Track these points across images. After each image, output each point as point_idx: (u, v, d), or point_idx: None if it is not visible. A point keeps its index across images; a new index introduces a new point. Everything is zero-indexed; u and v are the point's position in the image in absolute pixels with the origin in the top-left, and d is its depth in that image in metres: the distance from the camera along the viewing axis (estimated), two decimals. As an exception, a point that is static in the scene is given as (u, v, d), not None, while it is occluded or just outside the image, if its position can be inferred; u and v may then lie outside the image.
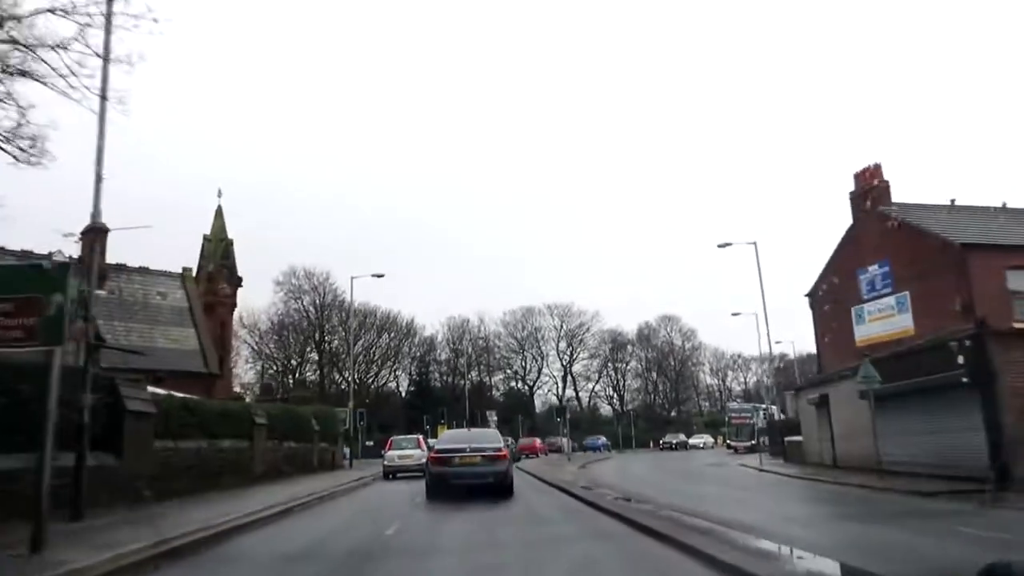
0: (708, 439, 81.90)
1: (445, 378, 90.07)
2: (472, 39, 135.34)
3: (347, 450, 50.09)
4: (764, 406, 68.93)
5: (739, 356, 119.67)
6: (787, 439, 34.33)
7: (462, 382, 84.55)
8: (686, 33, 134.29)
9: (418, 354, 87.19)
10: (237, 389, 58.08)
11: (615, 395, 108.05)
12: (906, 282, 26.85)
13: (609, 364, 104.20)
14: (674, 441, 76.46)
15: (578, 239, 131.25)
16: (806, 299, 32.07)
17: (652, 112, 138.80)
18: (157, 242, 64.33)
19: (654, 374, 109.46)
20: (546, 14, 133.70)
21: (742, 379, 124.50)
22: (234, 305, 46.26)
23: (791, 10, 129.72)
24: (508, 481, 18.26)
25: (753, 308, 65.48)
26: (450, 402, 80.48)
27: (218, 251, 46.05)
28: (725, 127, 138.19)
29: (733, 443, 61.95)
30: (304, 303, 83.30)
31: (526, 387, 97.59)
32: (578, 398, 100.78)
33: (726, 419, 70.47)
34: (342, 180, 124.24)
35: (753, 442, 56.03)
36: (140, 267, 32.00)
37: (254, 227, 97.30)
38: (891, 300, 27.54)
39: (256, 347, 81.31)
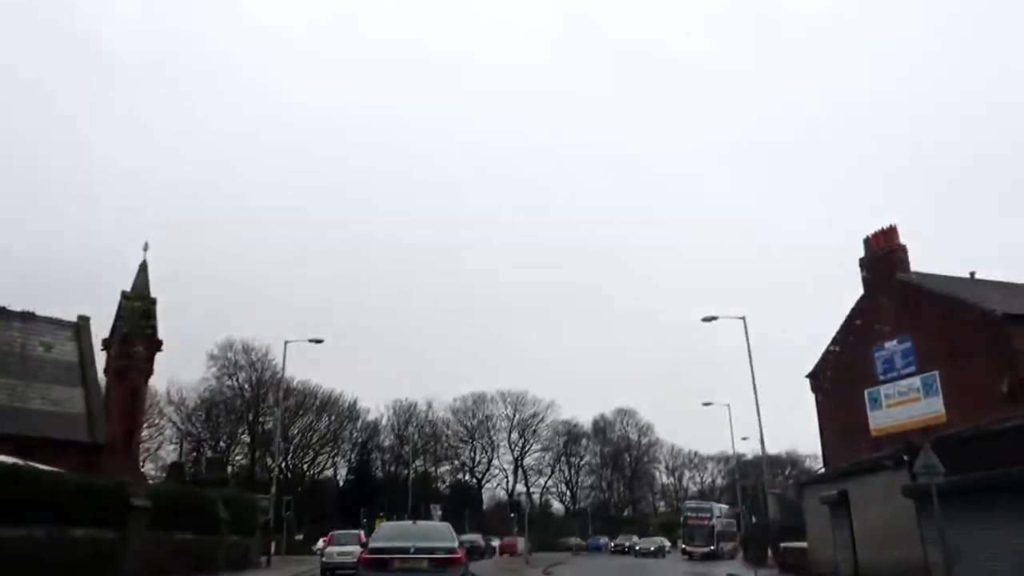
0: (662, 541, 73.51)
1: (388, 467, 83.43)
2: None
3: (273, 544, 44.18)
4: (722, 506, 63.44)
5: (695, 454, 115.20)
6: (783, 545, 29.53)
7: (406, 472, 78.04)
8: (670, 86, 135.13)
9: (360, 440, 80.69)
10: (151, 470, 51.35)
11: (567, 491, 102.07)
12: (934, 360, 23.02)
13: (563, 458, 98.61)
14: (626, 544, 69.63)
15: (535, 325, 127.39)
16: (807, 381, 28.01)
17: (618, 174, 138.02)
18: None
19: (609, 470, 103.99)
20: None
21: (698, 479, 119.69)
22: (150, 372, 40.26)
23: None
24: None
25: (723, 398, 59.75)
26: (392, 492, 74.01)
27: (137, 311, 40.61)
28: (701, 199, 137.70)
29: (689, 548, 53.24)
30: (239, 380, 76.87)
31: (474, 480, 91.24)
32: (529, 494, 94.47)
33: (681, 519, 59.16)
34: (287, 253, 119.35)
35: (711, 547, 50.81)
36: (23, 311, 26.63)
37: (187, 297, 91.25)
38: (915, 381, 23.65)
39: (181, 426, 74.40)
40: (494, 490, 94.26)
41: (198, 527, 22.37)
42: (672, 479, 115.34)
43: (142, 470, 49.02)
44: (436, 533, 15.04)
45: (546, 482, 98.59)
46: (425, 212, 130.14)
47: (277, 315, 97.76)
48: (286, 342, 38.28)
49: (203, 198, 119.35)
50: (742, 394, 57.77)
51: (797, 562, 26.57)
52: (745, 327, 28.30)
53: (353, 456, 77.86)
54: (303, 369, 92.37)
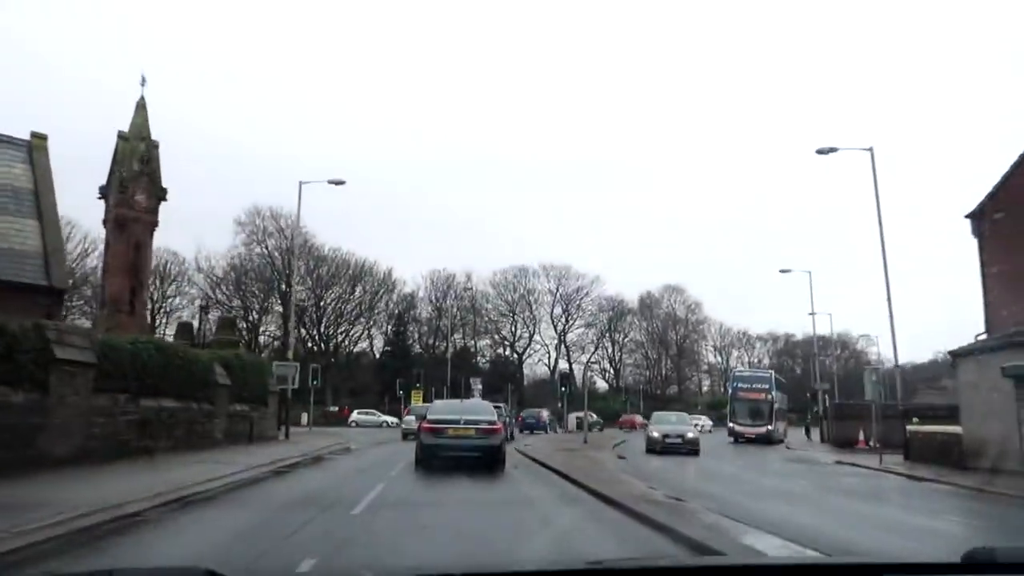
0: (706, 421, 68.19)
1: (425, 340, 79.99)
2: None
3: (306, 415, 40.85)
4: (779, 378, 51.23)
5: (744, 334, 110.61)
6: (913, 428, 24.25)
7: (444, 345, 74.57)
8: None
9: (396, 311, 76.95)
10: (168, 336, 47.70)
11: (611, 369, 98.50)
12: None
13: (606, 335, 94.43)
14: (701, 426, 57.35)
15: (580, 198, 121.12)
16: (968, 222, 22.04)
17: (661, 57, 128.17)
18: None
19: (655, 348, 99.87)
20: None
21: (746, 358, 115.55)
22: (154, 224, 35.75)
23: None
24: (501, 456, 17.74)
25: (787, 272, 52.98)
26: (430, 366, 70.68)
27: (136, 153, 35.53)
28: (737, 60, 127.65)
29: (740, 426, 42.78)
30: (268, 248, 72.87)
31: (515, 355, 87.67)
32: (571, 370, 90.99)
33: (730, 392, 46.96)
34: (324, 113, 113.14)
35: (768, 427, 41.42)
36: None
37: (215, 164, 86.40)
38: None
39: (211, 294, 71.05)
40: (535, 365, 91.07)
41: (183, 393, 17.85)
42: (719, 358, 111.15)
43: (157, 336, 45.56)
44: (481, 408, 19.23)
45: (589, 359, 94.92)
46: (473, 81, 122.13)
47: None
48: (300, 183, 33.12)
49: (225, 59, 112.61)
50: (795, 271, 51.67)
51: (935, 450, 21.47)
52: (872, 161, 22.23)
53: (389, 329, 74.26)
54: (336, 236, 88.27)
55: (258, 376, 24.80)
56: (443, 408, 19.18)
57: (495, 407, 20.57)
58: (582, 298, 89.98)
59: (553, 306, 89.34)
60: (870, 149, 22.99)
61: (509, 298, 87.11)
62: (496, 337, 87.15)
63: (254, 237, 72.09)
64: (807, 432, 54.01)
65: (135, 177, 35.14)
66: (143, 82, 36.78)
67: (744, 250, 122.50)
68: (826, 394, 52.63)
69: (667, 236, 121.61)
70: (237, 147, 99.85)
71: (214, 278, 71.84)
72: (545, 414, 48.62)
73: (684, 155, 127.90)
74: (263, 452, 18.89)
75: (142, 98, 36.48)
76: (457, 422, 17.24)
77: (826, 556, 4.25)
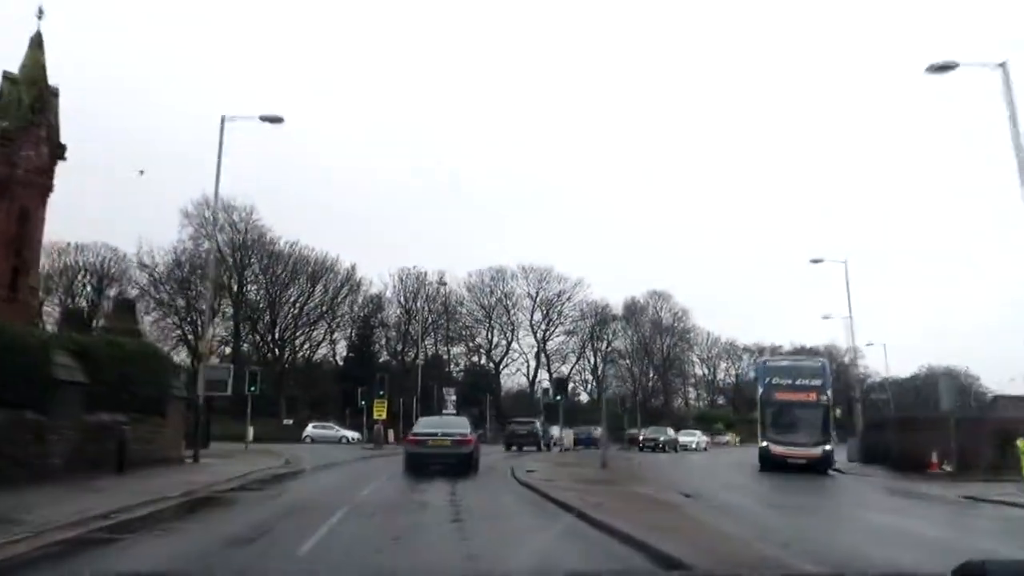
0: (700, 437, 63.83)
1: (393, 345, 72.81)
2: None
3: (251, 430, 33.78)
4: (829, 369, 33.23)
5: (731, 344, 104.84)
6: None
7: (414, 352, 67.64)
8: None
9: (361, 314, 69.81)
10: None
11: (592, 380, 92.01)
12: None
13: (588, 343, 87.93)
14: (660, 438, 50.58)
15: (561, 198, 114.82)
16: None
17: (654, 57, 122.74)
18: None
19: (640, 359, 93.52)
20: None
21: (734, 372, 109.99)
22: (48, 188, 28.60)
23: None
24: (472, 461, 21.35)
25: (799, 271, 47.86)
26: (398, 375, 63.68)
27: (26, 101, 28.44)
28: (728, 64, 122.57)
29: (782, 447, 27.86)
30: (219, 243, 65.44)
31: (491, 364, 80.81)
32: (566, 377, 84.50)
33: (760, 392, 30.63)
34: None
35: (825, 447, 27.35)
36: None
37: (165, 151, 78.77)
38: None
39: (155, 294, 63.51)
40: (512, 376, 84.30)
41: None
42: (706, 370, 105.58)
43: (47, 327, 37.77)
44: (457, 423, 24.02)
45: (570, 370, 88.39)
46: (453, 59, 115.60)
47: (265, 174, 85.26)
48: (223, 118, 25.98)
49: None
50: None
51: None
52: (1006, 75, 15.95)
53: (353, 333, 67.08)
54: (294, 230, 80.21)
55: (150, 374, 17.86)
56: (425, 423, 23.73)
57: (471, 421, 25.49)
58: (564, 303, 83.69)
59: (533, 311, 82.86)
60: (1003, 64, 16.77)
61: (485, 302, 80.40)
62: (471, 344, 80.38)
63: (203, 231, 64.80)
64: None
65: (23, 128, 28.08)
66: (40, 14, 29.81)
67: (733, 256, 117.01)
68: (861, 404, 46.50)
69: (653, 240, 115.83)
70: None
71: (156, 275, 64.36)
72: (598, 431, 38.26)
73: (670, 155, 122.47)
74: (117, 491, 11.99)
75: (38, 33, 29.49)
76: (436, 434, 21.61)
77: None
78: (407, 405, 53.27)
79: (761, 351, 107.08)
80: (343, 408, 57.06)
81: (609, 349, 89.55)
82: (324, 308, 66.96)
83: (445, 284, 72.36)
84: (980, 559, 1.96)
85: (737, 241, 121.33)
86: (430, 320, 70.45)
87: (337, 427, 52.27)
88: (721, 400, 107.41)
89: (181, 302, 63.62)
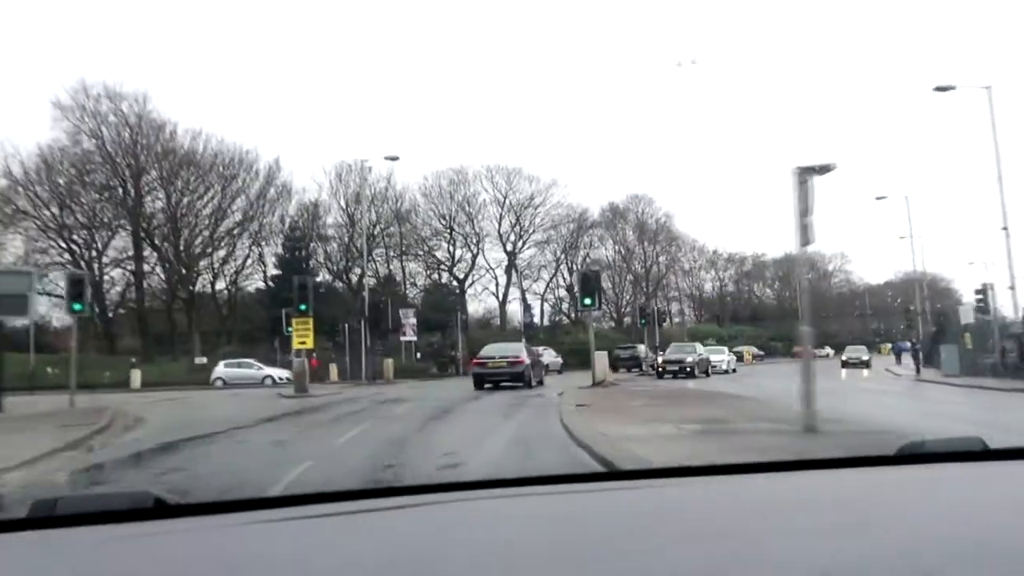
0: (728, 355, 49.38)
1: (336, 262, 59.87)
2: None
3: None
4: None
5: (715, 253, 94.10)
6: None
7: (361, 271, 55.28)
8: None
9: (298, 223, 56.33)
10: None
11: (568, 299, 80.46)
12: None
13: (565, 256, 76.02)
14: (687, 359, 36.14)
15: (530, 95, 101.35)
16: None
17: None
18: None
19: (622, 271, 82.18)
20: None
21: (719, 283, 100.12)
22: None
23: None
24: (525, 377, 26.11)
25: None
26: (344, 297, 51.45)
27: None
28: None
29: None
30: (104, 143, 51.33)
31: (454, 282, 68.68)
32: (525, 301, 72.96)
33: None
34: None
35: None
36: None
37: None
38: None
39: (33, 210, 49.47)
40: (480, 296, 72.44)
41: None
42: (688, 282, 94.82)
43: None
44: (513, 348, 29.19)
45: (544, 289, 76.80)
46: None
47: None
48: None
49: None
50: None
51: None
52: None
53: (282, 247, 53.88)
54: (205, 123, 65.38)
55: None
56: (487, 349, 28.93)
57: (525, 346, 30.64)
58: (536, 208, 71.37)
59: (500, 218, 70.54)
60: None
61: (445, 210, 67.66)
62: (429, 260, 67.88)
63: (82, 127, 50.55)
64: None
65: None
66: None
67: (713, 162, 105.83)
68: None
69: (630, 144, 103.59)
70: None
71: (29, 189, 50.07)
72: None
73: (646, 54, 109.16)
74: None
75: None
76: (495, 357, 27.20)
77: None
78: (354, 332, 41.32)
79: (743, 260, 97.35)
80: (270, 336, 44.73)
81: (589, 260, 78.07)
82: (246, 217, 53.58)
83: (392, 190, 59.57)
84: (920, 440, 2.01)
85: (717, 146, 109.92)
86: (379, 228, 57.50)
87: (260, 365, 40.00)
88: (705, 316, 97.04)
89: (54, 210, 49.71)
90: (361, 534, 1.52)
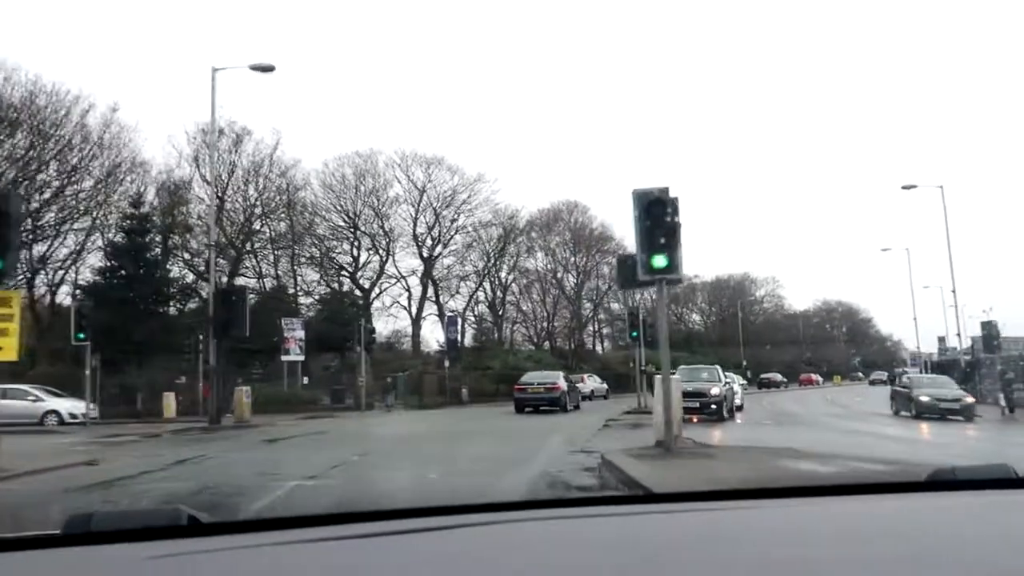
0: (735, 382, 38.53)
1: (199, 260, 46.34)
2: None
3: None
4: None
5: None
6: None
7: (247, 272, 42.18)
8: None
9: (154, 204, 42.59)
10: None
11: (489, 314, 68.79)
12: None
13: (492, 264, 64.56)
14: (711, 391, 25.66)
15: (458, 71, 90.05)
16: None
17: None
18: None
19: (551, 286, 71.27)
20: None
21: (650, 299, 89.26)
22: None
23: None
24: (561, 402, 29.15)
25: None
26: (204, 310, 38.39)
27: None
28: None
29: None
30: None
31: (357, 291, 56.06)
32: (442, 316, 60.97)
33: None
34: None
35: None
36: None
37: None
38: None
39: None
40: (388, 309, 59.88)
41: None
42: (621, 305, 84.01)
43: None
44: (550, 376, 31.74)
45: (466, 306, 65.03)
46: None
47: None
48: None
49: None
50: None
51: None
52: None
53: (119, 237, 39.92)
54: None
55: None
56: (528, 377, 31.48)
57: (563, 375, 32.27)
58: (460, 205, 59.78)
59: (416, 214, 58.64)
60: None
61: (348, 204, 55.32)
62: (327, 264, 55.07)
63: None
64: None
65: None
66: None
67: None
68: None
69: (568, 146, 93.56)
70: None
71: None
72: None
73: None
74: None
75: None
76: (534, 383, 30.11)
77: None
78: (235, 350, 28.79)
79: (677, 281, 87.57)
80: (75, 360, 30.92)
81: (517, 273, 66.92)
82: (92, 199, 39.59)
83: (285, 174, 46.54)
84: (950, 467, 1.98)
85: (657, 156, 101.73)
86: (259, 210, 44.42)
87: (39, 395, 26.44)
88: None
89: None
90: (400, 554, 1.49)
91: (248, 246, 39.53)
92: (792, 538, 1.53)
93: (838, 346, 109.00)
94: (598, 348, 77.83)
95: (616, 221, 77.16)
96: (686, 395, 22.20)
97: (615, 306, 79.51)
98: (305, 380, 35.81)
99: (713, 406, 22.70)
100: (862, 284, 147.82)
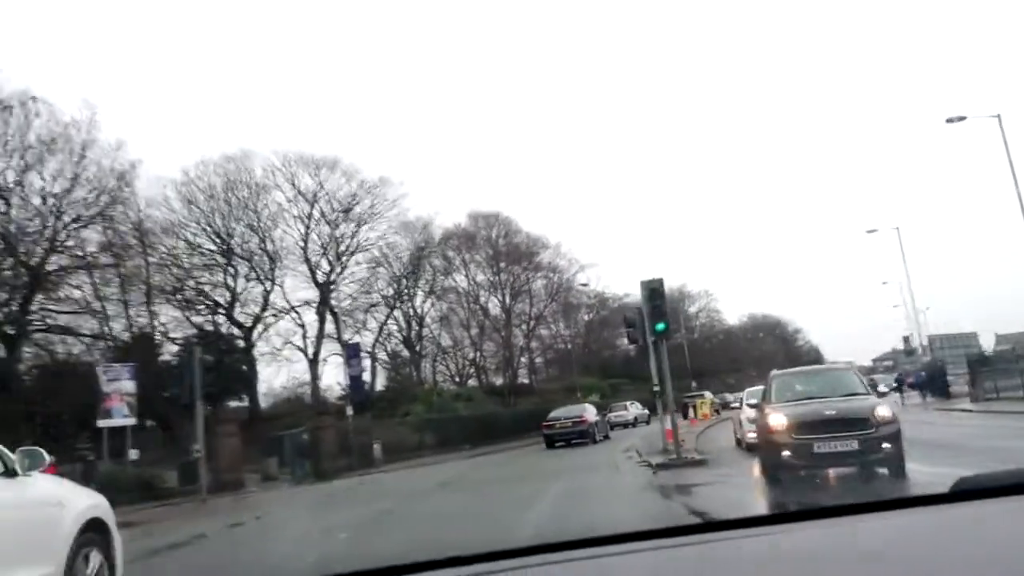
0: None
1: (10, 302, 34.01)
2: None
3: None
4: None
5: (581, 288, 72.57)
6: None
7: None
8: None
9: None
10: None
11: (405, 351, 57.71)
12: None
13: (403, 287, 53.83)
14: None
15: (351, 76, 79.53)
16: None
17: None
18: None
19: (475, 310, 60.76)
20: None
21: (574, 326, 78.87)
22: None
23: None
24: (588, 434, 30.52)
25: None
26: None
27: None
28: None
29: None
30: None
31: (231, 327, 44.41)
32: (348, 356, 49.45)
33: None
34: None
35: None
36: None
37: None
38: None
39: None
40: (278, 354, 47.88)
41: None
42: (557, 326, 73.72)
43: None
44: (576, 409, 33.21)
45: (376, 340, 53.93)
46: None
47: None
48: None
49: None
50: None
51: None
52: None
53: None
54: None
55: None
56: (555, 413, 32.95)
57: (591, 407, 34.28)
58: (362, 217, 49.06)
59: (307, 232, 47.63)
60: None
61: (219, 222, 44.17)
62: (195, 298, 43.24)
63: None
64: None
65: None
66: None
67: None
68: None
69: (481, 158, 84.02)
70: None
71: None
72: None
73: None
74: None
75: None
76: (561, 418, 31.73)
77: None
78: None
79: (604, 300, 77.33)
80: None
81: (436, 296, 56.52)
82: None
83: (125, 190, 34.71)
84: (973, 475, 1.97)
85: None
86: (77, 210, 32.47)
87: None
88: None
89: None
90: None
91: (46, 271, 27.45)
92: (810, 564, 1.52)
93: (771, 360, 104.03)
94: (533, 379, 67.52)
95: (549, 233, 68.14)
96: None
97: (545, 332, 70.12)
98: (134, 455, 24.22)
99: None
100: (792, 296, 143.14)
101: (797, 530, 1.82)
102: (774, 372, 14.13)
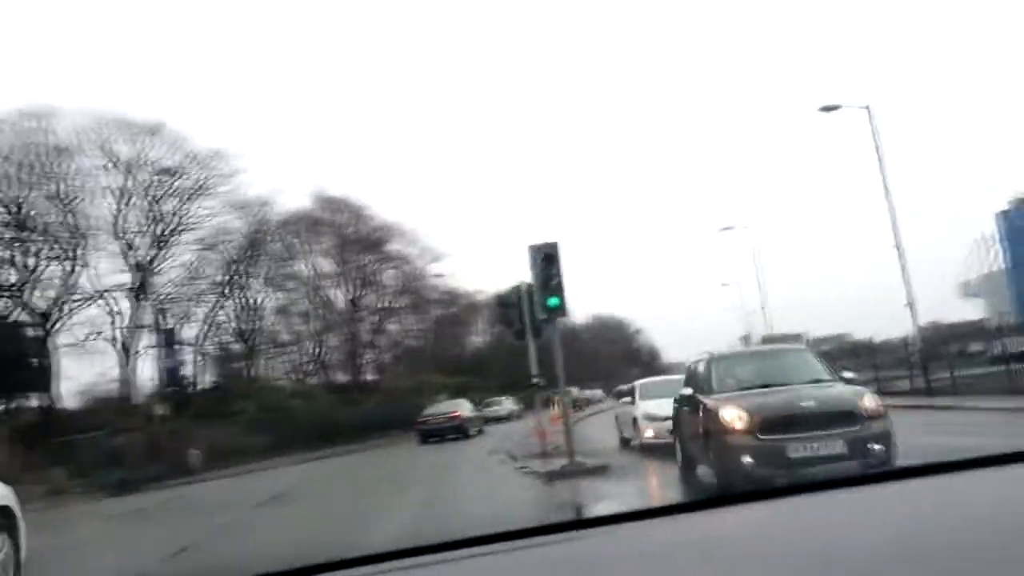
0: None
1: None
2: None
3: None
4: None
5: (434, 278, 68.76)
6: None
7: None
8: None
9: None
10: None
11: (239, 345, 51.95)
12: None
13: (237, 274, 48.23)
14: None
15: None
16: None
17: None
18: None
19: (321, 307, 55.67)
20: None
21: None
22: None
23: None
24: (462, 429, 30.61)
25: None
26: None
27: None
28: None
29: None
30: None
31: (26, 316, 37.55)
32: (170, 346, 43.38)
33: None
34: None
35: None
36: None
37: None
38: None
39: None
40: (82, 344, 40.95)
41: None
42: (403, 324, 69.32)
43: None
44: (451, 405, 33.42)
45: (205, 333, 47.86)
46: None
47: None
48: None
49: None
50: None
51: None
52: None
53: None
54: None
55: None
56: (430, 409, 33.26)
57: (466, 402, 34.33)
58: (189, 191, 43.02)
59: (120, 206, 41.13)
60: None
61: (11, 189, 37.33)
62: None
63: None
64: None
65: None
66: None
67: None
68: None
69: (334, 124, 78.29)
70: None
71: None
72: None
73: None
74: None
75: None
76: (435, 414, 32.01)
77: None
78: None
79: (455, 296, 74.33)
80: None
81: (274, 283, 51.26)
82: None
83: None
84: None
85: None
86: None
87: None
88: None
89: None
90: None
91: None
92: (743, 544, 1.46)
93: (616, 360, 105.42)
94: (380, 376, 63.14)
95: (406, 219, 63.89)
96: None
97: (394, 327, 65.98)
98: None
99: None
100: (638, 296, 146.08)
101: (699, 520, 1.71)
102: (713, 353, 11.26)
